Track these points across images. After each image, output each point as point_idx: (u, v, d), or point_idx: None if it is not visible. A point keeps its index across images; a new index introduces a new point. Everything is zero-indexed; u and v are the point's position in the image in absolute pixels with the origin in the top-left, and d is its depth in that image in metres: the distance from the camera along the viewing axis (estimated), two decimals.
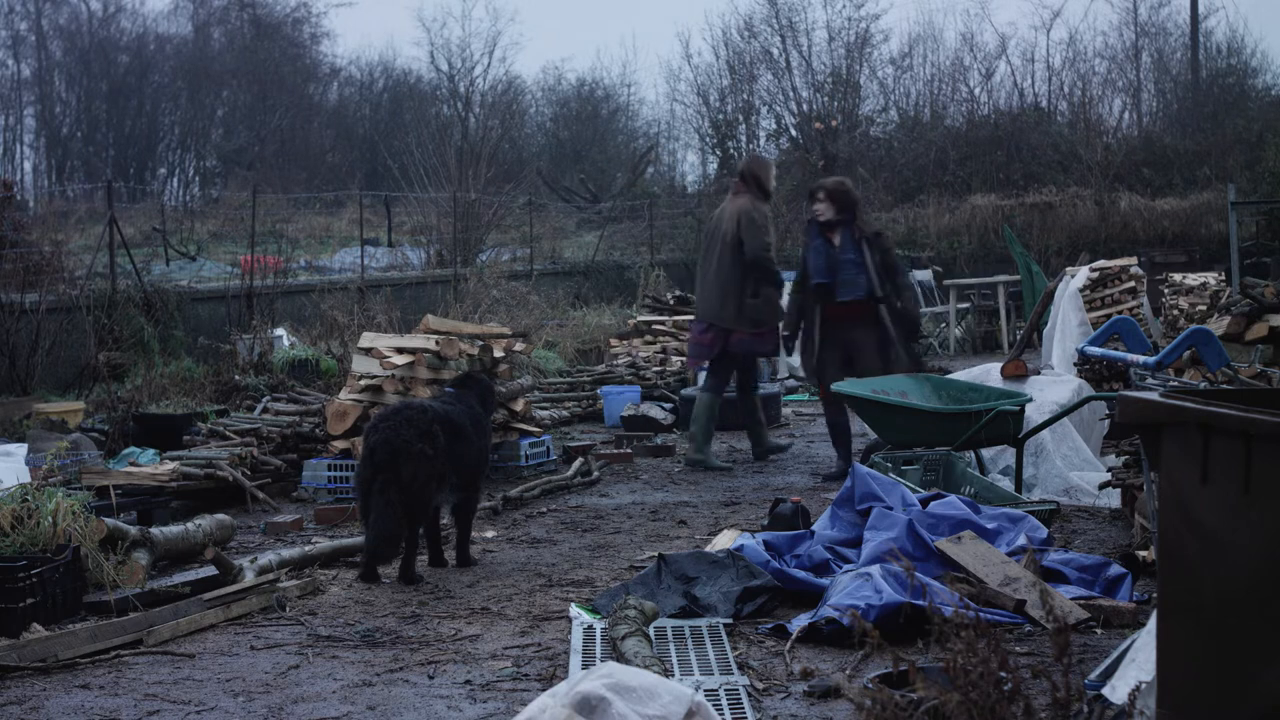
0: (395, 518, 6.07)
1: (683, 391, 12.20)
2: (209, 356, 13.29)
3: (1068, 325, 11.46)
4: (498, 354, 9.20)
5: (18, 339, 12.52)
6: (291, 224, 24.50)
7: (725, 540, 6.46)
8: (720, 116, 30.27)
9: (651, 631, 4.98)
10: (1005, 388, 8.41)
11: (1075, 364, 9.55)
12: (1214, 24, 41.87)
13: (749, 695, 4.38)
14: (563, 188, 30.07)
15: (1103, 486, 7.37)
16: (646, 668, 4.08)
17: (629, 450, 10.18)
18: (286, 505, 8.28)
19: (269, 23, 38.66)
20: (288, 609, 5.76)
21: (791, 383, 14.37)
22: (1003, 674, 3.07)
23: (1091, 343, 8.27)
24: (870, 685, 3.40)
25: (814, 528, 6.27)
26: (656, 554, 5.99)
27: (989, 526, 5.88)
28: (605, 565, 6.53)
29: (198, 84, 36.25)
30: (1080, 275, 12.21)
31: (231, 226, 23.63)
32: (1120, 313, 11.56)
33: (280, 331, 14.11)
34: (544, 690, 3.86)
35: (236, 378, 11.24)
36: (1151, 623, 3.84)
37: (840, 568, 5.70)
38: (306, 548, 6.67)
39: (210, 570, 6.09)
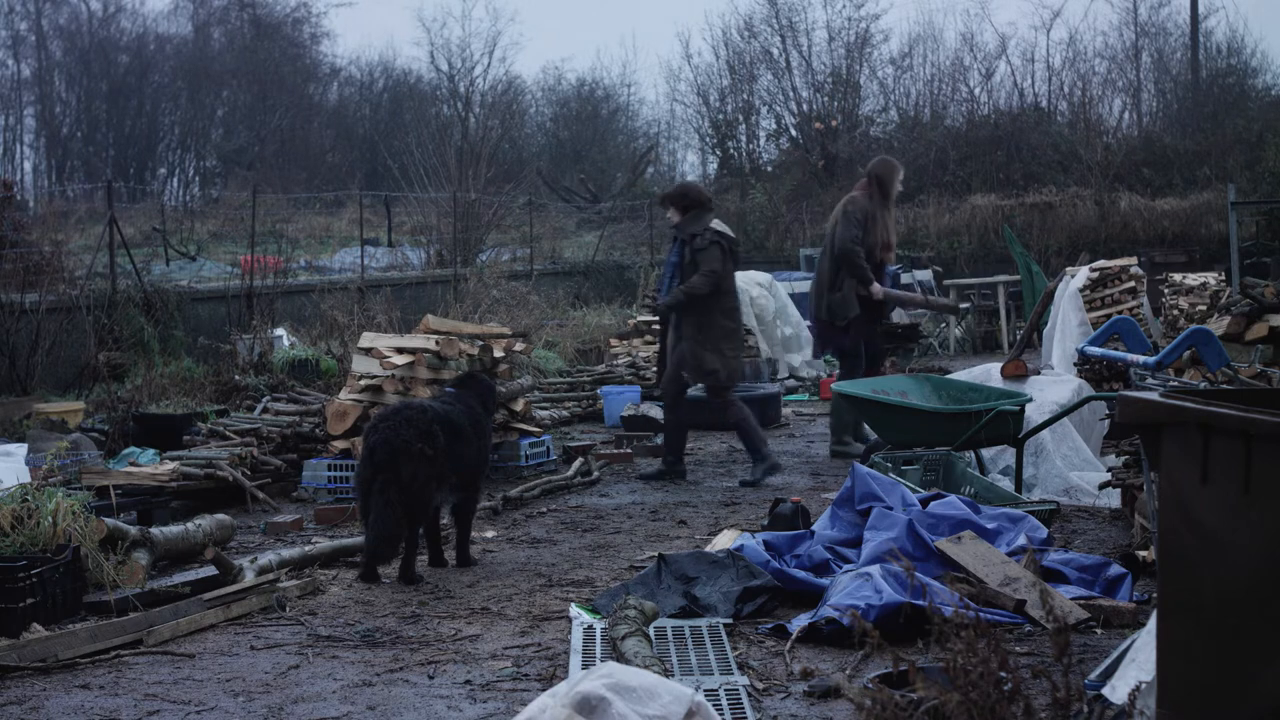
0: (395, 518, 6.07)
1: None
2: (209, 356, 13.29)
3: (1068, 325, 11.46)
4: (498, 354, 9.20)
5: (18, 339, 12.52)
6: (291, 224, 24.50)
7: (725, 540, 6.46)
8: (720, 116, 30.28)
9: (651, 631, 4.98)
10: (1005, 388, 8.41)
11: (1075, 364, 9.55)
12: (1214, 24, 41.87)
13: (749, 695, 4.38)
14: (563, 188, 30.07)
15: (1103, 486, 7.37)
16: (646, 668, 4.08)
17: (629, 450, 10.17)
18: (286, 505, 8.28)
19: (269, 23, 38.66)
20: (288, 609, 5.76)
21: (791, 383, 14.38)
22: (1003, 674, 3.07)
23: (1091, 343, 8.28)
24: (870, 685, 3.40)
25: (814, 528, 6.27)
26: (656, 554, 5.99)
27: (989, 526, 5.88)
28: (605, 565, 6.53)
29: (198, 84, 36.26)
30: (1080, 275, 12.21)
31: (231, 226, 23.63)
32: (1120, 313, 11.55)
33: (280, 331, 14.11)
34: (544, 690, 3.86)
35: (236, 378, 11.23)
36: (1151, 623, 3.84)
37: (840, 568, 5.70)
38: (306, 548, 6.67)
39: (210, 570, 6.09)
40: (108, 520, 6.01)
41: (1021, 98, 29.02)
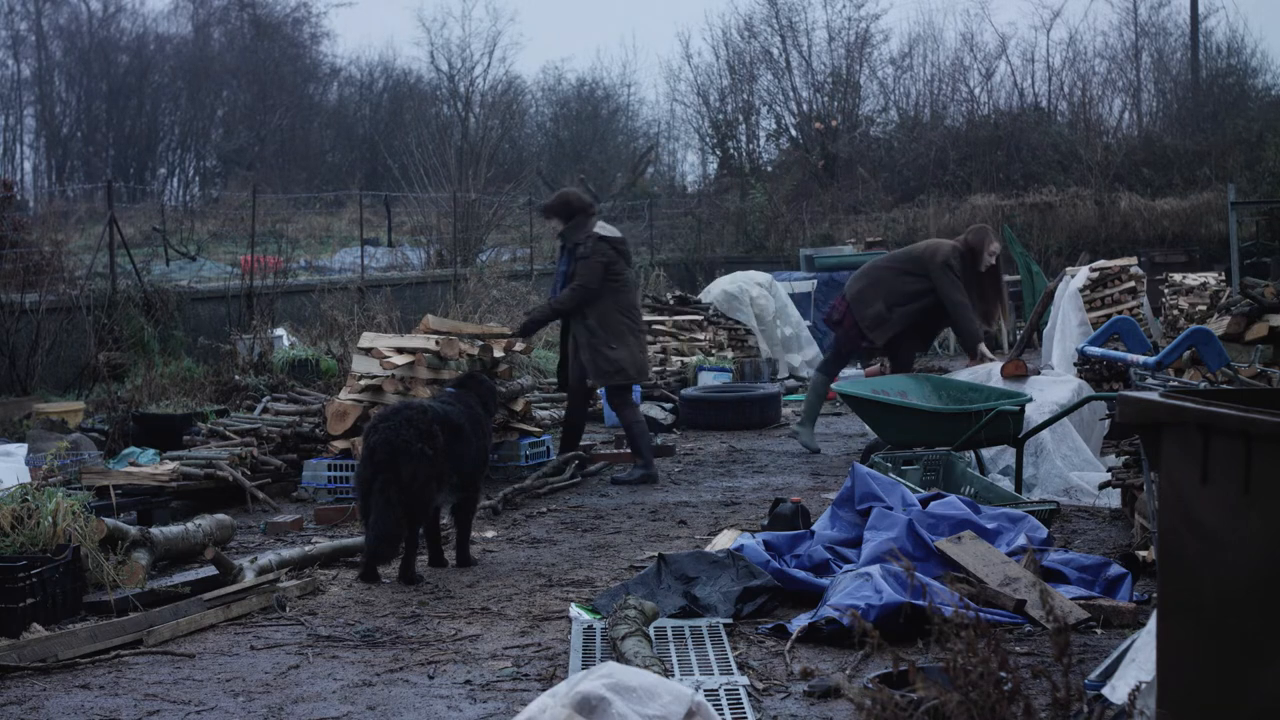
0: (395, 518, 6.07)
1: (683, 392, 12.22)
2: (209, 356, 13.29)
3: (1068, 325, 11.46)
4: (498, 354, 9.20)
5: (18, 339, 12.53)
6: (291, 224, 24.51)
7: (725, 540, 6.46)
8: (720, 116, 30.29)
9: (651, 631, 4.97)
10: (1005, 388, 8.40)
11: (1075, 364, 9.55)
12: (1214, 24, 41.96)
13: (749, 695, 4.38)
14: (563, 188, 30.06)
15: (1103, 486, 7.37)
16: (646, 668, 4.08)
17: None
18: (286, 505, 8.28)
19: (269, 23, 38.67)
20: (288, 609, 5.76)
21: (791, 383, 14.38)
22: (1003, 674, 3.07)
23: (1091, 343, 8.28)
24: (870, 685, 3.40)
25: (814, 528, 6.27)
26: (656, 554, 5.99)
27: (989, 526, 5.88)
28: (605, 565, 6.53)
29: (198, 84, 36.27)
30: (1080, 275, 12.21)
31: (231, 226, 23.63)
32: (1120, 313, 11.56)
33: (280, 331, 14.11)
34: (544, 690, 3.86)
35: (236, 378, 11.23)
36: (1151, 623, 3.84)
37: (840, 568, 5.70)
38: (306, 548, 6.67)
39: (210, 570, 6.09)
40: (108, 520, 6.01)
41: (1021, 98, 29.05)
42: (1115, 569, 5.51)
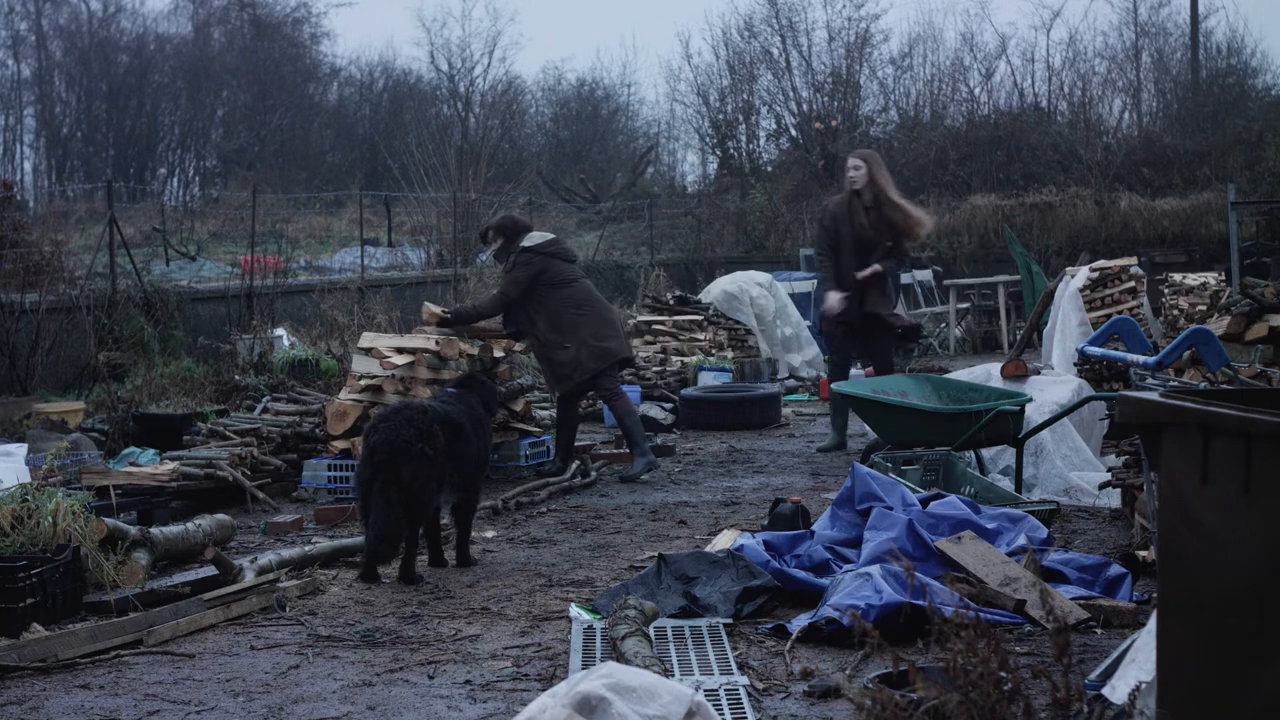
0: (395, 518, 6.07)
1: (683, 392, 12.22)
2: (209, 356, 13.29)
3: (1068, 325, 11.46)
4: (498, 354, 9.20)
5: (18, 339, 12.52)
6: (291, 224, 24.50)
7: (725, 540, 6.46)
8: (720, 116, 30.27)
9: (651, 631, 4.98)
10: (1005, 388, 8.40)
11: (1075, 364, 9.55)
12: (1214, 24, 41.87)
13: (749, 695, 4.38)
14: (563, 188, 30.07)
15: (1103, 486, 7.37)
16: (646, 668, 4.08)
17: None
18: (286, 505, 8.28)
19: (269, 23, 38.65)
20: (288, 609, 5.76)
21: (791, 383, 14.38)
22: (1003, 674, 3.07)
23: (1091, 343, 8.27)
24: (870, 685, 3.40)
25: (814, 528, 6.27)
26: (656, 554, 5.99)
27: (989, 526, 5.88)
28: (605, 565, 6.53)
29: (198, 84, 36.25)
30: (1080, 275, 12.21)
31: (231, 226, 23.62)
32: (1120, 313, 11.55)
33: (280, 331, 14.10)
34: (544, 690, 3.86)
35: (236, 378, 11.23)
36: (1151, 623, 3.84)
37: (840, 568, 5.70)
38: (306, 548, 6.67)
39: (210, 570, 6.09)
40: (108, 520, 6.01)
41: (1021, 98, 29.02)
42: (1115, 569, 5.51)
